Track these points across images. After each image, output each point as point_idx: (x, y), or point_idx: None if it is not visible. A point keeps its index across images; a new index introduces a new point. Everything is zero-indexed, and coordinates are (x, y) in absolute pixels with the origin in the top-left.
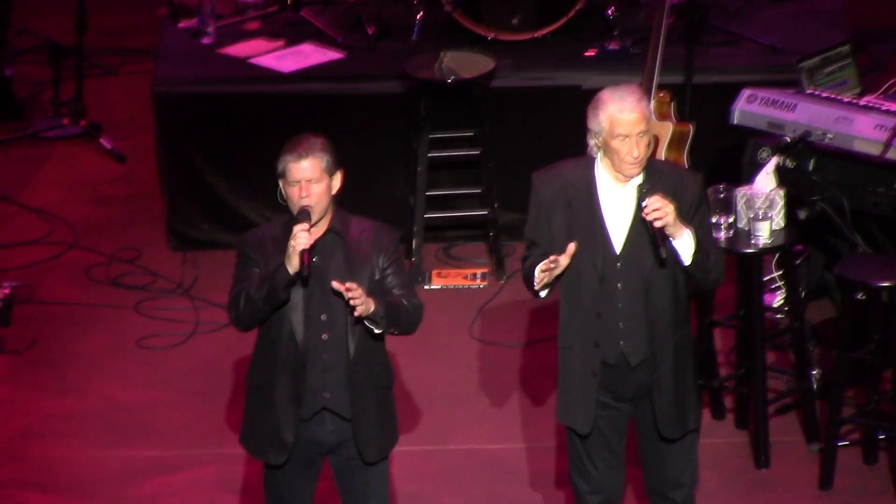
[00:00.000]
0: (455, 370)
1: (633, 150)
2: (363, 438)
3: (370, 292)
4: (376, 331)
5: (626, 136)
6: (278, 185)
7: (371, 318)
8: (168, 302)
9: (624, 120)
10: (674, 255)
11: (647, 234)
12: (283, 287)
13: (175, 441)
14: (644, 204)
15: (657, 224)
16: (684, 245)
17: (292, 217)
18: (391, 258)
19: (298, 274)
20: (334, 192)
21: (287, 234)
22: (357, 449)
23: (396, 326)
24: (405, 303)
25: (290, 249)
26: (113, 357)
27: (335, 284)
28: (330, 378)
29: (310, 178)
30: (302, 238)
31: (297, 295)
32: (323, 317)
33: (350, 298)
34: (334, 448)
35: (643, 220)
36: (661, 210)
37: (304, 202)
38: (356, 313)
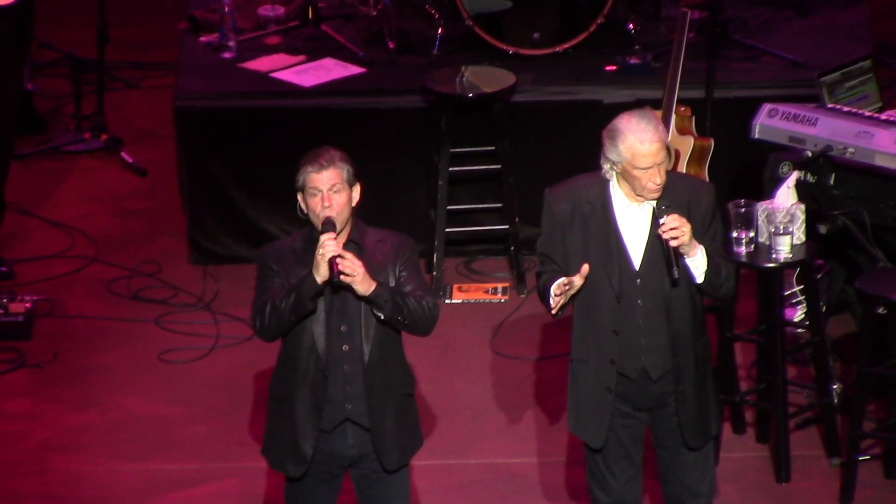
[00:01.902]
0: (476, 384)
1: (656, 178)
2: (383, 447)
3: None
4: (381, 315)
5: (648, 168)
6: (297, 199)
7: (373, 300)
8: (189, 316)
9: (646, 152)
10: (687, 273)
11: (661, 253)
12: (309, 297)
13: (196, 455)
14: (661, 222)
15: (673, 243)
16: (697, 263)
17: (313, 229)
18: (406, 263)
19: (329, 282)
20: (354, 203)
21: (309, 246)
22: (377, 457)
23: (402, 315)
24: (417, 296)
25: (318, 258)
26: (134, 371)
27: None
28: (351, 389)
29: (331, 188)
30: (330, 246)
31: (318, 306)
32: (343, 328)
33: (342, 266)
34: (355, 461)
35: (658, 238)
36: (678, 230)
37: (327, 213)
38: (346, 280)
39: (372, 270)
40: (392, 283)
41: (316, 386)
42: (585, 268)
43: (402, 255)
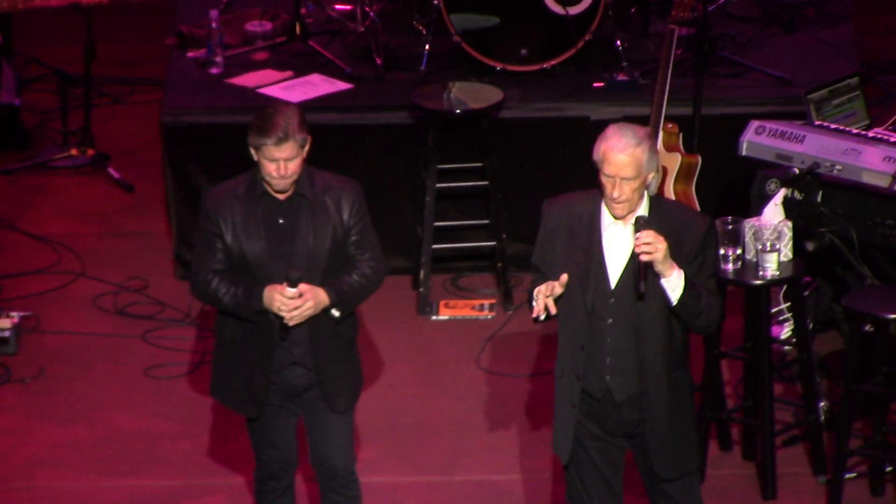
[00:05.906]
0: (462, 401)
1: (614, 192)
2: (331, 390)
3: (333, 252)
4: (336, 314)
5: (611, 177)
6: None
7: (327, 310)
8: (175, 331)
9: (612, 160)
10: (664, 297)
11: (632, 266)
12: (252, 312)
13: (182, 471)
14: (637, 235)
15: (644, 258)
16: (673, 285)
17: (257, 172)
18: (355, 217)
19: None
20: (305, 156)
21: (251, 195)
22: (326, 401)
23: (354, 304)
24: (364, 273)
25: (274, 309)
26: (120, 386)
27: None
28: (297, 334)
29: (287, 158)
30: (285, 313)
31: (264, 257)
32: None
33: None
34: (305, 390)
35: (633, 251)
36: (651, 245)
37: (281, 183)
38: (296, 320)
39: (320, 221)
40: (340, 235)
41: (264, 334)
42: (564, 277)
43: (350, 206)
